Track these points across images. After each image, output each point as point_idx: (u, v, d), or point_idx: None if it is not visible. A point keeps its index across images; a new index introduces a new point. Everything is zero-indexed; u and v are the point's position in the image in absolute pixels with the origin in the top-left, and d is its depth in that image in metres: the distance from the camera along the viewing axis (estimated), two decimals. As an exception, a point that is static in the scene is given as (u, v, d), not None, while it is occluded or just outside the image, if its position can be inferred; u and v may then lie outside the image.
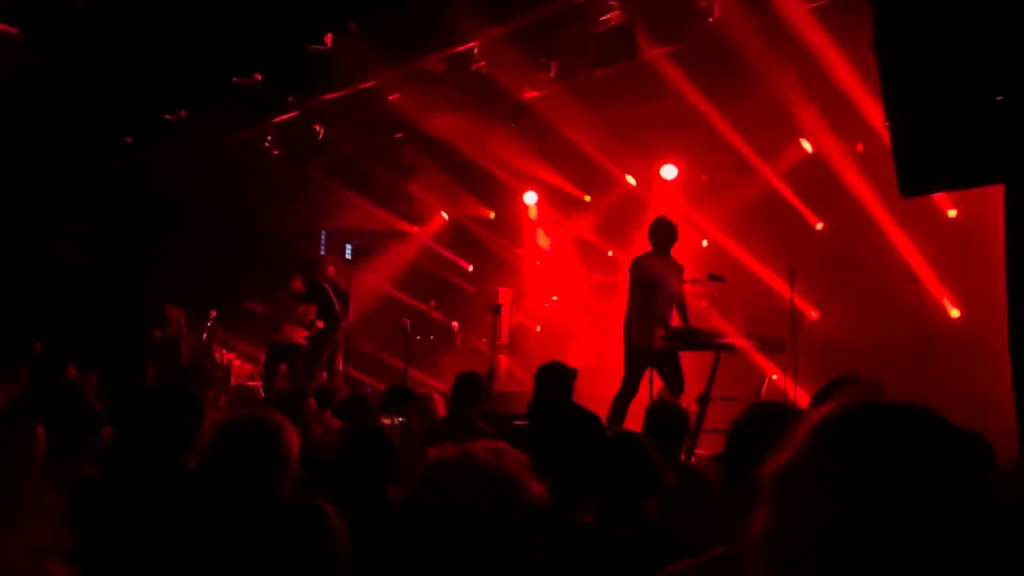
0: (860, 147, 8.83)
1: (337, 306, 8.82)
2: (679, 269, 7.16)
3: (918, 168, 3.92)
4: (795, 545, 0.91)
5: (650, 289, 6.81)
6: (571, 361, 5.88)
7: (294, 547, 1.95)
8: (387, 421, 4.51)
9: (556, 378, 4.84)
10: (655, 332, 6.84)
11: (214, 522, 2.21)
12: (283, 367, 9.35)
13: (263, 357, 10.57)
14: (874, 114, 7.87)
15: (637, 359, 6.76)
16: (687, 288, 7.43)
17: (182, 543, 2.17)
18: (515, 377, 10.50)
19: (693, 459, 6.07)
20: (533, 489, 1.58)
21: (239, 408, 4.69)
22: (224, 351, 10.31)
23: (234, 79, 8.22)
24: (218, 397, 8.24)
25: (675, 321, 7.07)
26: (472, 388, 5.33)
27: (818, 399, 5.84)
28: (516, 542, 1.54)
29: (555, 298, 11.03)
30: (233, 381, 10.20)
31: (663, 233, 7.01)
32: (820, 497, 0.90)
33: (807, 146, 9.42)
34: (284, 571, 1.99)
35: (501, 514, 1.53)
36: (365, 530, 2.10)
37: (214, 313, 10.21)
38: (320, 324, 9.02)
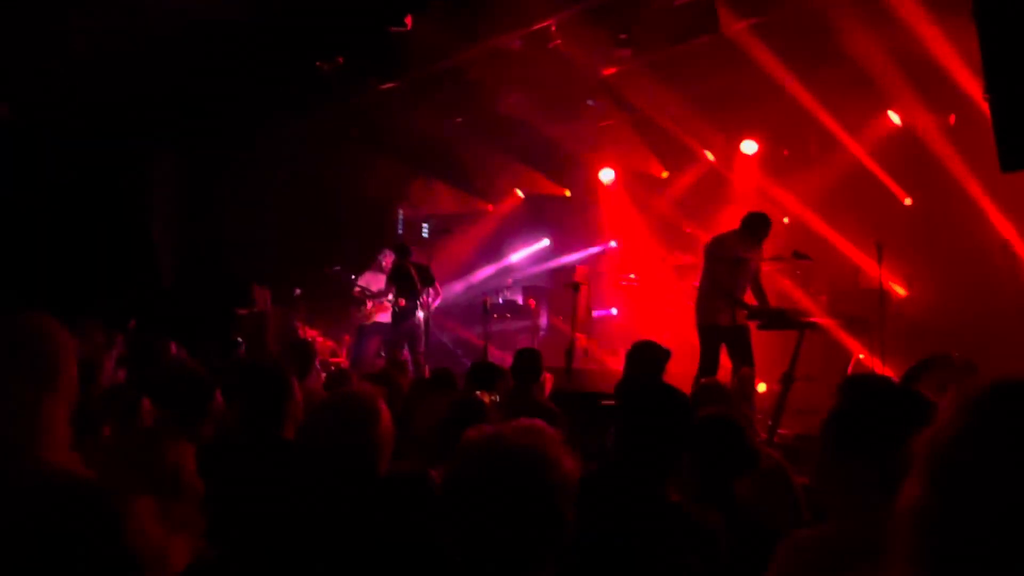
0: (952, 119, 8.51)
1: (419, 287, 8.99)
2: (760, 252, 7.09)
3: (1020, 142, 3.79)
4: (951, 521, 0.90)
5: (734, 267, 6.74)
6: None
7: (399, 515, 2.04)
8: (486, 400, 4.59)
9: (649, 358, 4.84)
10: (737, 311, 6.78)
11: (316, 496, 2.31)
12: (371, 347, 9.69)
13: (346, 336, 10.87)
14: (967, 84, 7.56)
15: (714, 337, 6.72)
16: (771, 266, 7.31)
17: (288, 515, 2.27)
18: (593, 356, 10.52)
19: (776, 439, 6.00)
20: (562, 466, 1.67)
21: (336, 385, 4.84)
22: (308, 328, 10.60)
23: (317, 63, 8.39)
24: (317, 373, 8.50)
25: (750, 300, 7.00)
26: (531, 365, 5.31)
27: (907, 380, 5.70)
28: (543, 517, 1.62)
29: (633, 277, 10.96)
30: (317, 359, 10.49)
31: (761, 226, 6.93)
32: (982, 473, 0.90)
33: (895, 119, 9.12)
34: (386, 537, 2.09)
35: (527, 491, 1.61)
36: None
37: (298, 292, 10.49)
38: (402, 303, 9.21)
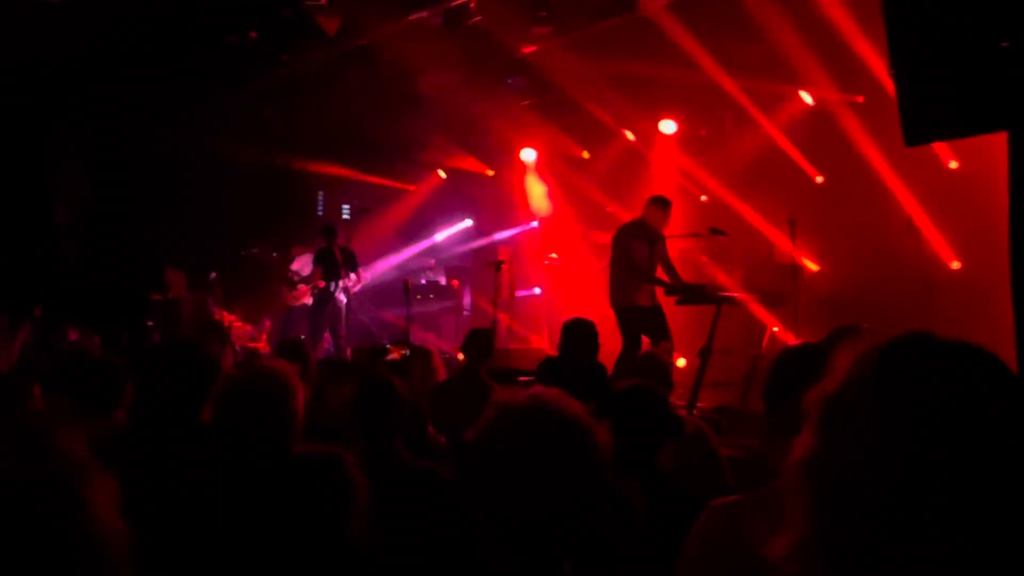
0: (861, 99, 8.76)
1: (343, 270, 8.88)
2: (663, 232, 7.23)
3: (922, 116, 3.90)
4: (838, 471, 0.90)
5: (648, 249, 6.85)
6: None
7: (310, 497, 1.98)
8: (396, 356, 4.56)
9: (583, 335, 4.89)
10: (656, 290, 6.91)
11: (229, 476, 2.24)
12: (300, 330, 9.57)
13: (266, 321, 10.64)
14: (876, 65, 7.80)
15: (634, 317, 6.81)
16: (689, 242, 7.44)
17: (201, 496, 2.19)
18: (516, 335, 10.55)
19: (695, 412, 6.12)
20: (599, 434, 1.62)
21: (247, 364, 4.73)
22: (225, 313, 10.33)
23: (228, 38, 8.12)
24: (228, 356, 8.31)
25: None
26: (483, 344, 5.35)
27: (820, 351, 5.87)
28: (587, 485, 1.57)
29: (554, 256, 11.01)
30: (235, 344, 10.24)
31: (663, 206, 7.11)
32: (868, 424, 0.89)
33: (807, 98, 9.35)
34: (300, 521, 2.02)
35: (574, 459, 1.56)
36: (377, 482, 2.13)
37: (214, 275, 10.21)
38: (321, 284, 9.07)
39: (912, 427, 0.87)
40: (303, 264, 9.84)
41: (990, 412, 0.87)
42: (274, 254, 10.12)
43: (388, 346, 5.16)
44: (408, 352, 5.03)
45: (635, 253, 6.90)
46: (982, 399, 0.88)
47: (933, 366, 0.91)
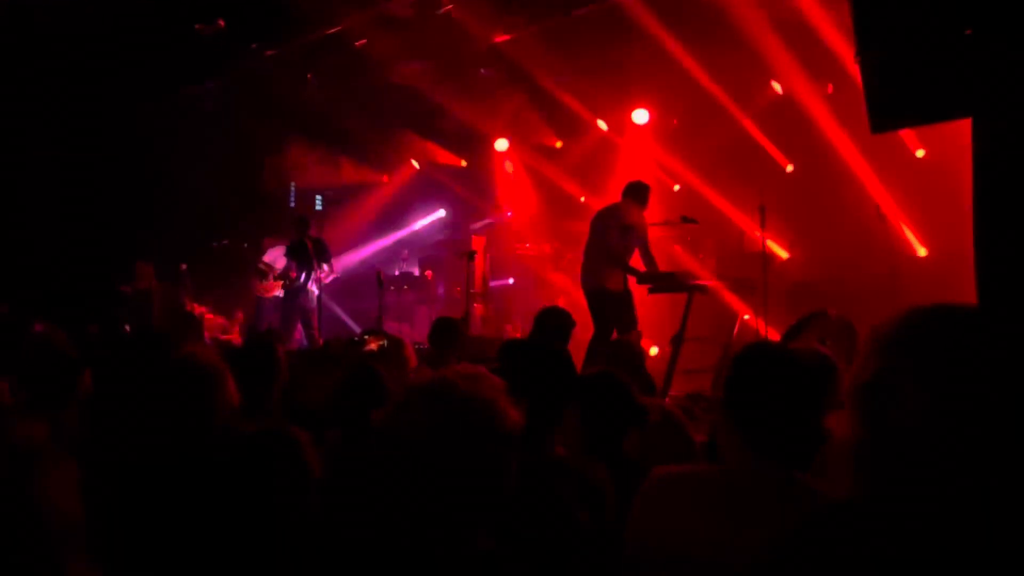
0: (830, 88, 8.85)
1: (315, 262, 8.82)
2: (643, 219, 7.25)
3: (888, 103, 3.93)
4: (883, 450, 0.97)
5: (624, 235, 6.86)
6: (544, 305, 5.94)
7: (251, 473, 1.95)
8: (374, 346, 4.55)
9: (556, 323, 4.92)
10: (628, 277, 6.92)
11: (172, 460, 2.26)
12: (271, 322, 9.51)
13: (238, 313, 10.55)
14: (844, 54, 7.87)
15: (603, 301, 6.83)
16: (661, 231, 7.47)
17: (152, 484, 2.21)
18: (490, 324, 10.54)
19: (668, 399, 6.16)
20: (509, 416, 1.62)
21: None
22: (196, 305, 10.23)
23: (196, 27, 8.02)
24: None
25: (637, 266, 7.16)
26: (449, 333, 5.35)
27: (790, 335, 5.93)
28: (490, 466, 1.59)
29: (528, 245, 11.02)
30: (207, 336, 10.15)
31: (642, 193, 7.10)
32: (906, 402, 0.95)
33: (778, 88, 9.42)
34: (242, 497, 2.01)
35: (476, 439, 1.57)
36: (353, 463, 2.14)
37: (184, 267, 10.10)
38: (293, 275, 9.02)
39: (955, 388, 0.94)
40: (275, 256, 9.76)
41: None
42: (244, 245, 10.02)
43: (365, 336, 5.13)
44: (385, 342, 5.02)
45: (610, 238, 6.91)
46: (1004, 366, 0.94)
47: (954, 334, 0.98)
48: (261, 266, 9.67)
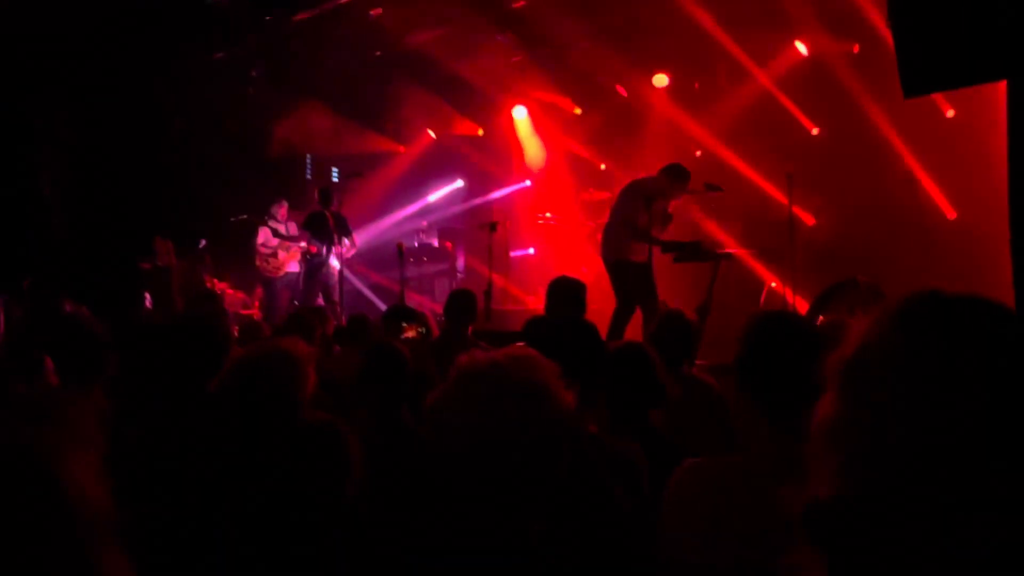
0: (856, 48, 8.63)
1: (336, 236, 8.76)
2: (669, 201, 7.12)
3: (921, 67, 3.81)
4: (863, 432, 0.92)
5: (648, 206, 6.74)
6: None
7: (310, 463, 2.00)
8: (411, 334, 4.51)
9: (567, 292, 4.81)
10: (653, 248, 6.83)
11: (236, 444, 2.24)
12: (284, 298, 9.51)
13: (258, 288, 10.55)
14: (871, 13, 7.67)
15: (626, 273, 6.74)
16: (684, 199, 7.34)
17: (206, 465, 2.20)
18: (512, 296, 10.50)
19: (694, 369, 6.09)
20: (562, 399, 1.60)
21: (249, 338, 4.69)
22: (216, 280, 10.24)
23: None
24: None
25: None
26: (465, 304, 5.26)
27: (817, 305, 5.84)
28: (544, 451, 1.57)
29: (548, 215, 10.91)
30: (229, 311, 10.18)
31: (681, 177, 6.89)
32: (893, 384, 0.91)
33: (802, 49, 9.20)
34: (301, 485, 2.03)
35: (530, 425, 1.55)
36: (382, 448, 2.14)
37: (204, 243, 10.10)
38: (313, 249, 8.99)
39: (935, 380, 0.89)
40: (265, 237, 9.68)
41: (1008, 357, 0.90)
42: (244, 216, 9.92)
43: (404, 324, 5.03)
44: (424, 331, 4.94)
45: (632, 209, 6.81)
46: (997, 347, 0.91)
47: (950, 322, 0.93)
48: (260, 248, 9.60)
